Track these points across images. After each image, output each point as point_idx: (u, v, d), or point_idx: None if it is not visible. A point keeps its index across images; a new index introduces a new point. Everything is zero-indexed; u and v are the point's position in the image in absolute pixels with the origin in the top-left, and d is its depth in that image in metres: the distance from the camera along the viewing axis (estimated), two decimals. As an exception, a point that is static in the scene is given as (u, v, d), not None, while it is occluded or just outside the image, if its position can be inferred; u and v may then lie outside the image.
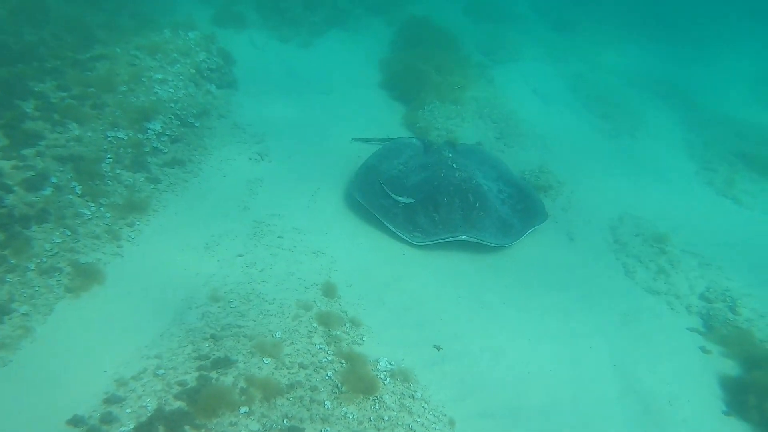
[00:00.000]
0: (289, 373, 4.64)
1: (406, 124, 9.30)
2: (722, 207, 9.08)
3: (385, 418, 4.47)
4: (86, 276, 5.13)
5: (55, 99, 6.77)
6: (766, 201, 9.31)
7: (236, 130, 8.09)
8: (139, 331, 4.82)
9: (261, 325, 5.09)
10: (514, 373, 5.45)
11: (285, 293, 5.55)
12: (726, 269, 7.36)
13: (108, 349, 4.61)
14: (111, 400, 4.15)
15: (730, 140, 10.81)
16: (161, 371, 4.43)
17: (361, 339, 5.29)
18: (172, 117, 7.38)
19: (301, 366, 4.73)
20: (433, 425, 4.60)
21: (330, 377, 4.67)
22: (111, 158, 6.41)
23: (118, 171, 6.36)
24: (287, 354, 4.82)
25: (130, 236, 5.81)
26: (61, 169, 5.91)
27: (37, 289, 4.85)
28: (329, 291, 5.71)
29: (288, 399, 4.39)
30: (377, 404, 4.59)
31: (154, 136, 6.97)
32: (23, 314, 4.63)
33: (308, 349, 4.92)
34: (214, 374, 4.45)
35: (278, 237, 6.32)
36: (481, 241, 6.55)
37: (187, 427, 3.97)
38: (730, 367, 6.07)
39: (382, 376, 4.87)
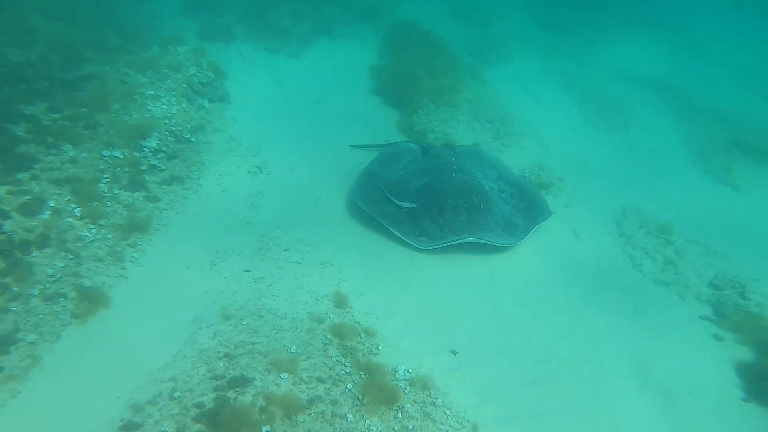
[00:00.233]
0: (308, 388, 4.53)
1: (402, 129, 9.25)
2: (722, 194, 9.14)
3: (410, 428, 4.38)
4: (92, 300, 4.98)
5: (46, 121, 6.61)
6: (764, 186, 9.39)
7: (232, 143, 7.98)
8: (150, 354, 4.69)
9: (275, 340, 4.97)
10: (533, 374, 5.39)
11: (296, 307, 5.44)
12: (732, 256, 7.38)
13: (120, 375, 4.47)
14: (128, 426, 4.01)
15: (723, 129, 10.92)
16: (177, 394, 4.30)
17: (377, 348, 5.20)
18: (167, 133, 7.25)
19: (320, 380, 4.62)
20: (458, 432, 4.51)
21: (350, 389, 4.57)
22: (108, 178, 6.27)
23: (116, 191, 6.22)
24: (304, 368, 4.71)
25: (133, 257, 5.67)
26: (58, 191, 5.76)
27: (42, 316, 4.70)
28: (340, 302, 5.62)
29: (309, 415, 4.28)
30: (400, 414, 4.50)
31: (151, 154, 6.84)
32: (30, 343, 4.48)
33: (325, 363, 4.82)
34: (231, 394, 4.32)
35: (284, 250, 6.21)
36: (487, 242, 6.50)
37: (208, 451, 3.85)
38: (745, 353, 6.07)
39: (401, 385, 4.78)
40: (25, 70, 7.41)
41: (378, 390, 4.55)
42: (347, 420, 4.29)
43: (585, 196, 8.20)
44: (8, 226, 5.11)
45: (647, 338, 6.06)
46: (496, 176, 7.79)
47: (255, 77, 10.08)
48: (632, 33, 14.69)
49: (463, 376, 5.18)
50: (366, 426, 4.30)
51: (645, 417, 5.18)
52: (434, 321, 5.75)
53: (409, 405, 4.60)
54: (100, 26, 9.36)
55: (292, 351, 4.87)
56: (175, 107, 7.77)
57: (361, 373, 4.77)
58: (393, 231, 6.57)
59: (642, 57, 13.98)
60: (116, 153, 6.56)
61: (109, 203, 6.03)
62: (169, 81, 8.24)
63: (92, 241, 5.53)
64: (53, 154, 6.16)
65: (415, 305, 5.88)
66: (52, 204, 5.57)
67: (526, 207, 7.27)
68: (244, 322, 5.14)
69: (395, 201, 6.85)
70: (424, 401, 4.71)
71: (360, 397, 4.50)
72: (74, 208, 5.68)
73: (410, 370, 4.99)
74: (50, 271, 5.01)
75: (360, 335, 5.27)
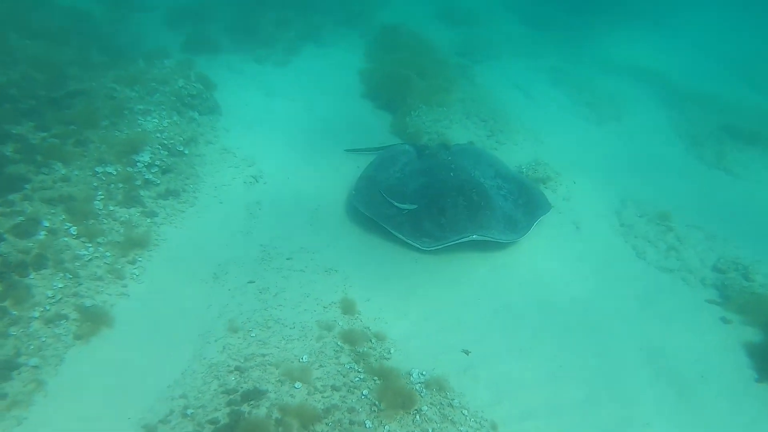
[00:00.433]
0: (322, 397, 4.44)
1: (395, 132, 9.19)
2: (717, 179, 9.21)
3: (430, 431, 4.29)
4: (94, 320, 4.85)
5: (35, 140, 6.45)
6: (757, 169, 9.49)
7: (226, 154, 7.87)
8: (158, 372, 4.56)
9: (285, 350, 4.87)
10: (545, 369, 5.35)
11: (304, 315, 5.34)
12: (732, 239, 7.43)
13: (128, 395, 4.34)
14: (141, 448, 3.89)
15: (712, 115, 11.03)
16: (190, 411, 4.18)
17: (389, 353, 5.12)
18: (160, 147, 7.12)
19: (334, 388, 4.53)
20: (478, 432, 4.44)
21: (366, 396, 4.48)
22: (103, 195, 6.13)
23: (111, 208, 6.08)
24: (317, 377, 4.61)
25: (133, 274, 5.54)
26: (52, 211, 5.62)
27: (44, 339, 4.56)
28: (348, 308, 5.53)
29: (327, 424, 4.19)
30: (418, 417, 4.42)
31: (144, 168, 6.70)
32: (33, 367, 4.33)
33: (338, 370, 4.72)
34: (245, 407, 4.21)
35: (287, 258, 6.11)
36: (491, 239, 6.45)
37: (227, 468, 3.74)
38: (753, 334, 6.10)
39: (417, 388, 4.70)
40: (8, 89, 7.25)
41: (394, 394, 4.47)
42: (366, 427, 4.20)
43: (583, 188, 8.19)
44: (2, 248, 4.97)
45: (656, 326, 6.05)
46: (494, 173, 7.76)
47: (244, 87, 9.97)
48: (618, 25, 14.85)
49: (477, 375, 5.12)
50: (385, 432, 4.21)
51: (660, 405, 5.16)
52: (443, 321, 5.68)
53: (426, 408, 4.52)
54: (82, 43, 9.20)
55: (304, 360, 4.77)
56: (166, 120, 7.64)
57: (376, 378, 4.69)
58: (396, 233, 6.49)
59: (629, 48, 14.13)
60: (109, 169, 6.43)
61: (105, 220, 5.89)
62: (157, 94, 8.11)
63: (90, 259, 5.39)
64: (44, 173, 6.01)
65: (423, 307, 5.81)
66: (46, 224, 5.43)
67: (526, 202, 7.24)
68: (253, 334, 5.02)
69: (395, 203, 6.78)
70: (441, 403, 4.64)
71: (377, 402, 4.42)
72: (70, 227, 5.54)
73: (424, 373, 4.91)
74: (49, 293, 4.86)
75: (371, 340, 5.19)
